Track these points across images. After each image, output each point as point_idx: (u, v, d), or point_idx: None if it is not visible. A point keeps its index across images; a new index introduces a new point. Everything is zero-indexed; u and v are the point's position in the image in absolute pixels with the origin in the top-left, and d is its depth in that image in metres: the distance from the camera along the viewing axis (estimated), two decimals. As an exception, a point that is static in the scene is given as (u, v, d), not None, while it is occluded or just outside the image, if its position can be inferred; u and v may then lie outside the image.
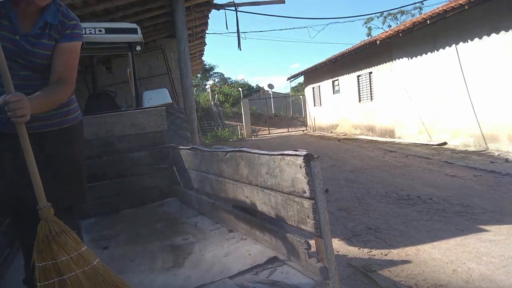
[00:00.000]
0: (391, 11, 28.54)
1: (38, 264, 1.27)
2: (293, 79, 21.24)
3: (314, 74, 16.41)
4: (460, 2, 6.72)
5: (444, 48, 8.12)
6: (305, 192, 1.40)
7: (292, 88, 34.02)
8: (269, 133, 17.87)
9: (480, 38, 7.07)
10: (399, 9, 27.60)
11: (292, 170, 1.45)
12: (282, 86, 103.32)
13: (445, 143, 8.26)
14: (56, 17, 1.54)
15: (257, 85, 38.08)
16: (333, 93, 14.72)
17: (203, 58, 13.64)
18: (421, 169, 5.82)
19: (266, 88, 31.13)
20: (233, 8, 7.81)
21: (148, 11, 6.97)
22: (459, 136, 7.91)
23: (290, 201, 1.52)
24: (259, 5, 7.96)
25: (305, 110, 19.46)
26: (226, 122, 21.72)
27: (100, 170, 3.02)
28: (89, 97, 5.49)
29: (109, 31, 4.52)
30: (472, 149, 7.35)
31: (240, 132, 17.92)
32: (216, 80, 40.36)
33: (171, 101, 5.26)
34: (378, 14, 28.06)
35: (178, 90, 7.49)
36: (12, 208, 1.57)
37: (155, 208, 3.06)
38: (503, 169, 5.19)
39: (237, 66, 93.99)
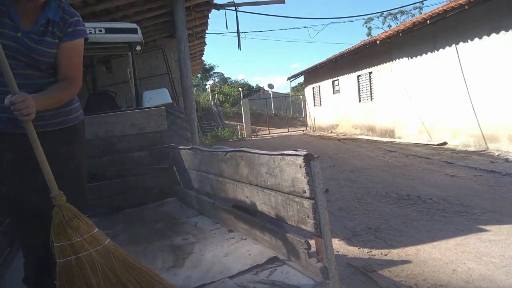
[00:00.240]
0: (391, 11, 28.54)
1: (56, 244, 1.39)
2: (293, 79, 21.25)
3: (314, 74, 16.41)
4: (460, 2, 6.72)
5: (444, 48, 8.12)
6: (305, 192, 1.40)
7: (292, 88, 34.04)
8: (269, 133, 17.87)
9: (480, 38, 7.07)
10: (399, 9, 27.61)
11: (292, 170, 1.45)
12: (282, 86, 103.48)
13: (445, 143, 8.26)
14: (57, 13, 1.53)
15: (257, 85, 38.12)
16: (333, 93, 14.72)
17: (203, 58, 13.64)
18: (421, 169, 5.82)
19: (266, 88, 31.14)
20: (233, 8, 7.81)
21: (148, 11, 6.97)
22: (459, 136, 7.91)
23: (290, 201, 1.52)
24: (259, 5, 7.95)
25: (305, 110, 19.46)
26: (226, 122, 21.72)
27: (100, 170, 3.02)
28: (89, 97, 5.48)
29: (109, 31, 4.52)
30: (472, 149, 7.35)
31: (240, 132, 17.92)
32: (216, 80, 40.40)
33: (171, 101, 5.26)
34: (378, 14, 28.07)
35: (178, 90, 7.48)
36: (12, 208, 1.57)
37: (155, 208, 3.06)
38: (503, 169, 5.19)
39: (237, 66, 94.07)
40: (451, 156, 6.82)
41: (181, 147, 3.05)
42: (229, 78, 41.15)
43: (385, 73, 10.69)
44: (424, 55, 8.84)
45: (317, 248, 1.47)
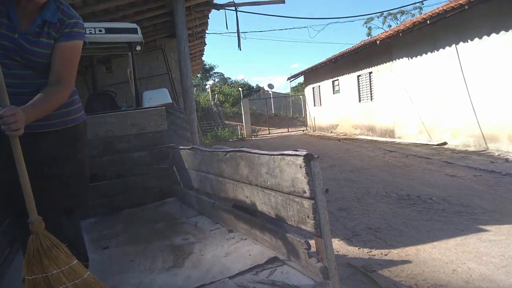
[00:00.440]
0: (391, 11, 28.54)
1: (28, 277, 1.27)
2: (293, 79, 21.25)
3: (314, 74, 16.41)
4: (460, 2, 6.72)
5: (444, 48, 8.12)
6: (305, 192, 1.40)
7: (292, 88, 34.04)
8: (269, 133, 17.87)
9: (480, 38, 7.07)
10: (399, 9, 27.61)
11: (292, 170, 1.45)
12: (282, 86, 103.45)
13: (445, 143, 8.26)
14: (55, 15, 1.52)
15: (257, 85, 38.12)
16: (333, 93, 14.72)
17: (203, 58, 13.64)
18: (421, 169, 5.82)
19: (266, 88, 31.14)
20: (233, 8, 7.81)
21: (148, 11, 6.97)
22: (459, 136, 7.91)
23: (290, 201, 1.52)
24: (259, 5, 7.95)
25: (305, 110, 19.46)
26: (226, 122, 21.72)
27: (100, 170, 3.02)
28: (89, 97, 5.48)
29: (109, 31, 4.52)
30: (472, 149, 7.35)
31: (240, 132, 17.92)
32: (216, 80, 40.40)
33: (171, 101, 5.26)
34: (378, 14, 28.07)
35: (178, 90, 7.48)
36: (12, 208, 1.56)
37: (155, 208, 3.06)
38: (503, 169, 5.19)
39: (237, 66, 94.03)
40: (451, 156, 6.82)
41: (181, 147, 3.05)
42: (229, 78, 41.20)
43: (385, 73, 10.69)
44: (424, 55, 8.84)
45: (317, 248, 1.47)
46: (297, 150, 1.44)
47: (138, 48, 4.79)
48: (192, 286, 1.57)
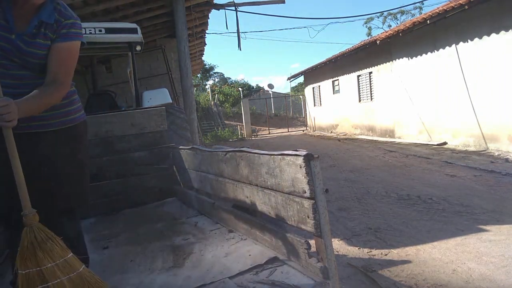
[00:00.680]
0: (391, 11, 28.56)
1: (21, 271, 1.24)
2: (293, 79, 21.25)
3: (314, 74, 16.41)
4: (460, 2, 6.72)
5: (444, 48, 8.12)
6: (305, 192, 1.40)
7: (292, 88, 34.05)
8: (269, 133, 17.87)
9: (480, 38, 7.07)
10: (399, 9, 27.63)
11: (292, 170, 1.45)
12: (282, 86, 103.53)
13: (445, 143, 8.26)
14: (52, 16, 1.52)
15: (257, 85, 38.16)
16: (333, 93, 14.72)
17: (203, 58, 13.65)
18: (421, 169, 5.82)
19: (266, 88, 31.15)
20: (233, 8, 7.81)
21: (148, 11, 6.97)
22: (459, 136, 7.91)
23: (290, 201, 1.52)
24: (259, 5, 7.95)
25: (305, 110, 19.46)
26: (226, 122, 21.73)
27: (100, 170, 3.01)
28: (89, 97, 5.48)
29: (109, 31, 4.52)
30: (472, 149, 7.35)
31: (240, 132, 17.92)
32: (216, 80, 40.40)
33: (171, 101, 5.26)
34: (378, 14, 28.10)
35: (178, 90, 7.48)
36: (7, 209, 1.54)
37: (155, 208, 3.06)
38: (503, 169, 5.19)
39: (237, 66, 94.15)
40: (451, 156, 6.82)
41: (181, 147, 3.04)
42: (229, 78, 41.22)
43: (385, 73, 10.69)
44: (424, 55, 8.84)
45: (317, 248, 1.47)
46: (297, 150, 1.44)
47: (138, 48, 4.79)
48: (192, 286, 1.57)
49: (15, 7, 1.48)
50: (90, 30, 4.36)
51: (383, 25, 28.92)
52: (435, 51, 8.41)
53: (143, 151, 3.19)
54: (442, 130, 8.44)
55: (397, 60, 10.01)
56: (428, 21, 7.79)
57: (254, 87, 36.70)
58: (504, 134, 6.73)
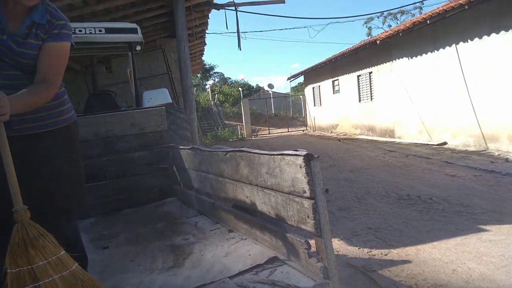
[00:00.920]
0: (391, 11, 28.51)
1: (11, 270, 1.19)
2: (293, 79, 21.26)
3: (314, 74, 16.41)
4: (460, 2, 6.72)
5: (444, 48, 8.12)
6: (305, 192, 1.40)
7: (292, 88, 34.04)
8: (269, 133, 17.87)
9: (480, 38, 7.07)
10: (399, 9, 27.59)
11: (292, 170, 1.45)
12: (282, 86, 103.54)
13: (445, 143, 8.26)
14: (44, 16, 1.52)
15: (257, 85, 38.14)
16: (333, 93, 14.72)
17: (203, 58, 13.64)
18: (421, 169, 5.82)
19: (266, 88, 31.15)
20: (233, 8, 7.81)
21: (148, 11, 6.97)
22: (459, 136, 7.91)
23: (290, 201, 1.52)
24: (259, 5, 7.95)
25: (305, 110, 19.46)
26: (226, 122, 21.73)
27: (100, 170, 3.01)
28: (89, 97, 5.47)
29: (109, 31, 4.52)
30: (472, 149, 7.35)
31: (240, 132, 17.92)
32: (216, 80, 40.38)
33: (171, 101, 5.25)
34: (378, 14, 28.06)
35: (178, 90, 7.48)
36: (5, 214, 1.53)
37: (155, 208, 3.06)
38: (503, 169, 5.19)
39: (237, 66, 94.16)
40: (451, 156, 6.82)
41: (181, 147, 3.04)
42: (229, 78, 41.19)
43: (385, 73, 10.69)
44: (424, 55, 8.84)
45: (317, 248, 1.47)
46: (297, 150, 1.44)
47: (138, 48, 4.78)
48: (192, 286, 1.57)
49: (6, 8, 1.48)
50: (90, 30, 4.35)
51: (383, 25, 28.92)
52: (435, 51, 8.41)
53: (143, 151, 3.19)
54: (442, 130, 8.44)
55: (397, 60, 10.01)
56: (428, 21, 7.79)
57: (254, 87, 36.70)
58: (504, 134, 6.73)
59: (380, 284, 2.26)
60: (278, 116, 24.74)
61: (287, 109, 24.50)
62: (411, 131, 9.68)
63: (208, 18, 8.22)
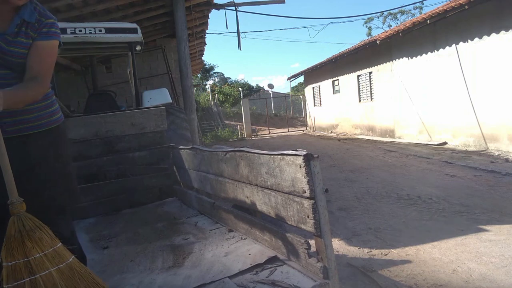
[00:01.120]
0: (391, 11, 28.52)
1: (6, 263, 1.17)
2: (293, 79, 21.26)
3: (314, 74, 16.41)
4: (460, 2, 6.72)
5: (444, 48, 8.12)
6: (305, 192, 1.40)
7: (292, 88, 34.04)
8: (269, 133, 17.87)
9: (480, 38, 7.07)
10: (399, 9, 27.60)
11: (292, 170, 1.45)
12: (282, 86, 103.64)
13: (445, 143, 8.26)
14: (33, 15, 1.53)
15: (257, 85, 38.19)
16: (333, 93, 14.72)
17: (203, 58, 13.64)
18: (421, 169, 5.82)
19: (266, 88, 31.16)
20: (233, 8, 7.81)
21: (148, 11, 6.97)
22: (459, 136, 7.91)
23: (290, 201, 1.52)
24: (259, 5, 7.95)
25: (305, 110, 19.46)
26: (226, 122, 21.72)
27: (100, 170, 3.02)
28: (89, 97, 5.47)
29: (109, 31, 4.52)
30: (472, 149, 7.35)
31: (240, 132, 17.92)
32: (216, 80, 40.37)
33: (171, 101, 5.26)
34: (378, 14, 28.08)
35: (178, 90, 7.48)
36: (4, 212, 1.53)
37: (155, 208, 3.06)
38: (503, 169, 5.19)
39: (237, 66, 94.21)
40: (451, 156, 6.82)
41: (181, 147, 3.04)
42: (229, 78, 41.19)
43: (385, 73, 10.69)
44: (424, 55, 8.84)
45: (317, 248, 1.47)
46: (297, 150, 1.44)
47: (138, 48, 4.78)
48: (192, 286, 1.57)
49: None
50: (90, 30, 4.35)
51: (383, 25, 28.93)
52: (435, 51, 8.41)
53: (143, 151, 3.19)
54: (442, 130, 8.44)
55: (397, 60, 10.01)
56: (428, 21, 7.79)
57: (254, 87, 36.72)
58: (504, 134, 6.73)
59: (380, 284, 2.26)
60: (278, 116, 24.74)
61: (287, 109, 24.50)
62: (411, 131, 9.68)
63: (208, 18, 8.22)
